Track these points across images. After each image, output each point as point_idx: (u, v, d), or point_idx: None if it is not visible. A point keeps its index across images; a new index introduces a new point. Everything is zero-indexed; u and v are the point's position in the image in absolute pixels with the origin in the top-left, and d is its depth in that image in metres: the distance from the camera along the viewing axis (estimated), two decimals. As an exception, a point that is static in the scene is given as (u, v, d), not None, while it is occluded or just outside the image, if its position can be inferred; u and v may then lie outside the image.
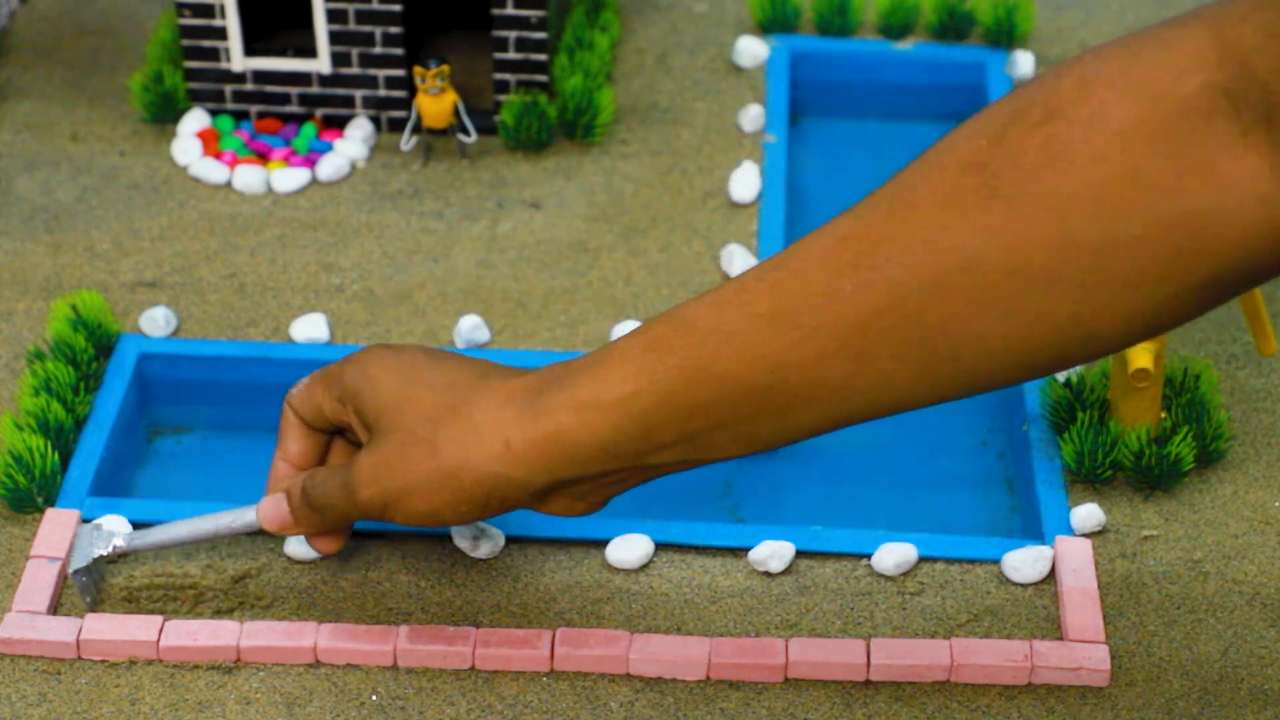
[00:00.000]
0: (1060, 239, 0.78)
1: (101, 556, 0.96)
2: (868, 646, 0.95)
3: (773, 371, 0.83)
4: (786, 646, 0.95)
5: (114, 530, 0.97)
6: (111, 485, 1.05)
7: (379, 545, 1.01)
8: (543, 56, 1.25)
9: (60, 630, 0.95)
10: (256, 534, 0.97)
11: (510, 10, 1.24)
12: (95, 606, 0.96)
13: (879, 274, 0.81)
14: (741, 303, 0.84)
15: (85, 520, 1.00)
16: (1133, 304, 0.79)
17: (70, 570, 0.96)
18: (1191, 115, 0.76)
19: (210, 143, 1.26)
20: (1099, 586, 0.98)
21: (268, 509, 0.94)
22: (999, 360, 0.82)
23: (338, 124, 1.28)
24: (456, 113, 1.24)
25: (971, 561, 1.00)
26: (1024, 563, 0.99)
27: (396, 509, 0.89)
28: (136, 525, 1.01)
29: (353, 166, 1.26)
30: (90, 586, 0.96)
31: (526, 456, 0.86)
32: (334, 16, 1.24)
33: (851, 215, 0.83)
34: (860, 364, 0.82)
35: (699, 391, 0.84)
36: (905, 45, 1.34)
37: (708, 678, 0.95)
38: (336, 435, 0.96)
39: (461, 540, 1.00)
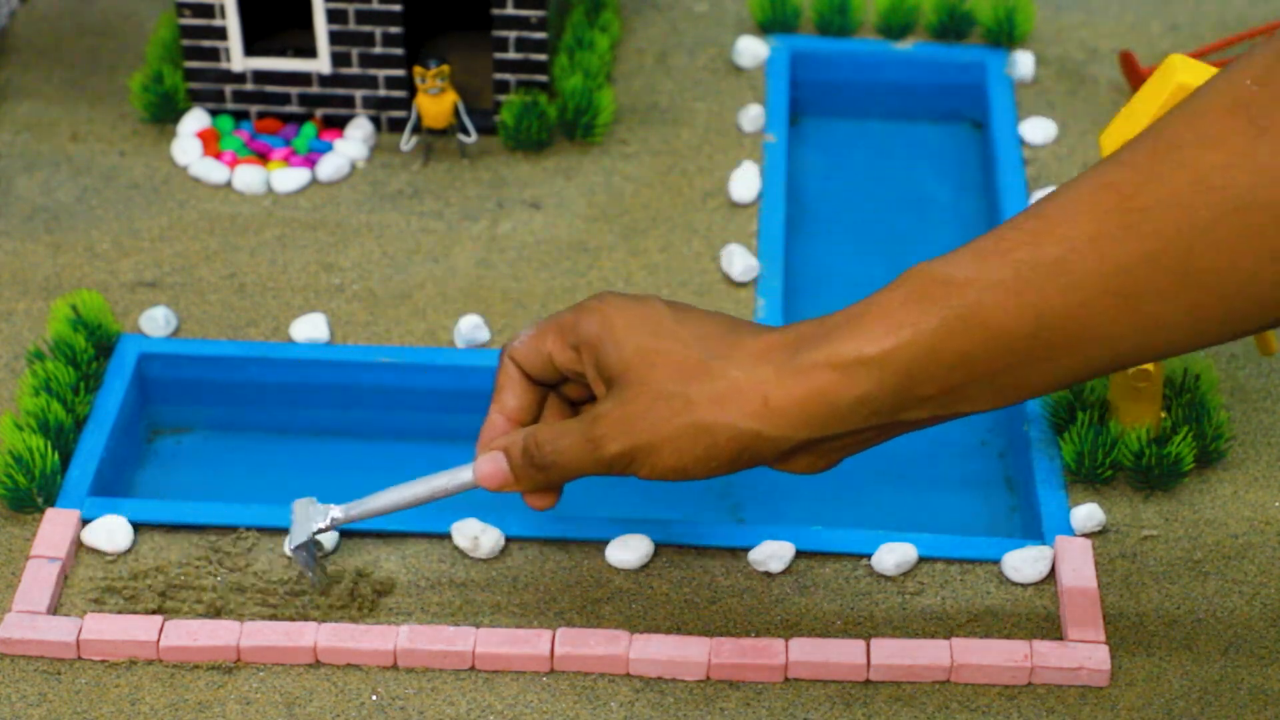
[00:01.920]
0: None
1: (321, 529, 0.96)
2: (868, 646, 0.95)
3: (1037, 319, 0.82)
4: (786, 646, 0.95)
5: (330, 505, 0.96)
6: (111, 485, 1.05)
7: (379, 545, 1.01)
8: (543, 56, 1.25)
9: (60, 630, 0.95)
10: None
11: (510, 10, 1.24)
12: (321, 583, 0.96)
13: (1146, 217, 0.80)
14: (1002, 251, 0.83)
15: (85, 520, 1.00)
16: None
17: (290, 547, 0.95)
18: None
19: (210, 143, 1.26)
20: (1099, 586, 0.98)
21: (486, 467, 0.93)
22: (1269, 301, 0.81)
23: (338, 124, 1.28)
24: (456, 113, 1.24)
25: (971, 561, 1.00)
26: (1024, 563, 0.99)
27: (643, 463, 0.88)
28: (137, 526, 1.01)
29: (353, 166, 1.26)
30: (310, 561, 0.96)
31: (786, 414, 0.86)
32: (334, 16, 1.24)
33: (1112, 161, 0.83)
34: (1126, 308, 0.82)
35: (962, 342, 0.84)
36: (905, 45, 1.34)
37: (708, 678, 0.95)
38: (552, 390, 0.95)
39: (461, 540, 1.00)
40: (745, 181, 1.23)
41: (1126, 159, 0.82)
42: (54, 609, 0.97)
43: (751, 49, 1.34)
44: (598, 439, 0.88)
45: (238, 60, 1.26)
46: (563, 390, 0.95)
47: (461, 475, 0.93)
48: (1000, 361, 0.84)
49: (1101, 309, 0.82)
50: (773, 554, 0.99)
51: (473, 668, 0.95)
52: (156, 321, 1.12)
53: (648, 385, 0.88)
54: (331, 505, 0.96)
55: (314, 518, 0.95)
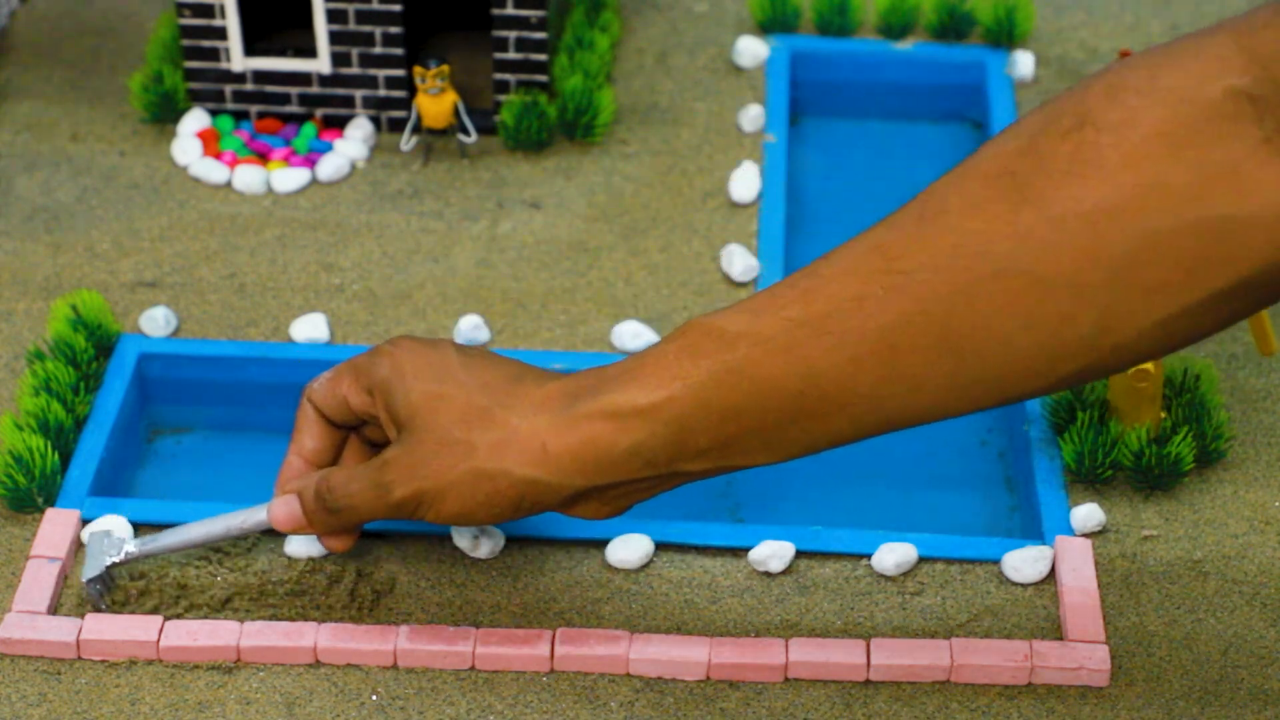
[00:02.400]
0: (1087, 245, 0.79)
1: (115, 564, 0.96)
2: (868, 646, 0.95)
3: (805, 377, 0.84)
4: (786, 646, 0.95)
5: (124, 537, 0.97)
6: (111, 485, 1.05)
7: (379, 545, 1.00)
8: (543, 56, 1.25)
9: (60, 630, 0.95)
10: (266, 533, 0.98)
11: (510, 10, 1.24)
12: (111, 610, 0.96)
13: (909, 279, 0.82)
14: (775, 308, 0.85)
15: (85, 520, 1.00)
16: (1158, 312, 0.79)
17: (84, 579, 0.96)
18: (1216, 120, 0.77)
19: (210, 143, 1.26)
20: (1099, 586, 0.98)
21: (279, 510, 0.94)
22: (1027, 368, 0.82)
23: (338, 124, 1.28)
24: (456, 113, 1.24)
25: (971, 561, 1.00)
26: (1024, 563, 0.99)
27: (429, 507, 0.89)
28: (137, 526, 1.01)
29: (353, 166, 1.25)
30: (104, 594, 0.96)
31: (562, 462, 0.87)
32: (334, 16, 1.24)
33: (884, 224, 0.84)
34: (890, 370, 0.83)
35: (732, 396, 0.85)
36: (905, 45, 1.34)
37: (708, 678, 0.95)
38: (352, 432, 0.96)
39: (461, 540, 1.00)
40: (745, 181, 1.23)
41: (896, 222, 0.84)
42: (54, 609, 0.97)
43: (751, 49, 1.34)
44: (386, 484, 0.90)
45: (238, 60, 1.26)
46: (364, 432, 0.96)
47: (256, 515, 0.95)
48: (770, 416, 0.85)
49: (866, 369, 0.83)
50: (773, 554, 0.99)
51: (473, 668, 0.95)
52: (156, 321, 1.12)
53: (433, 431, 0.89)
54: (127, 539, 0.97)
55: (108, 551, 0.96)
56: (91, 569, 0.96)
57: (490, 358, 0.92)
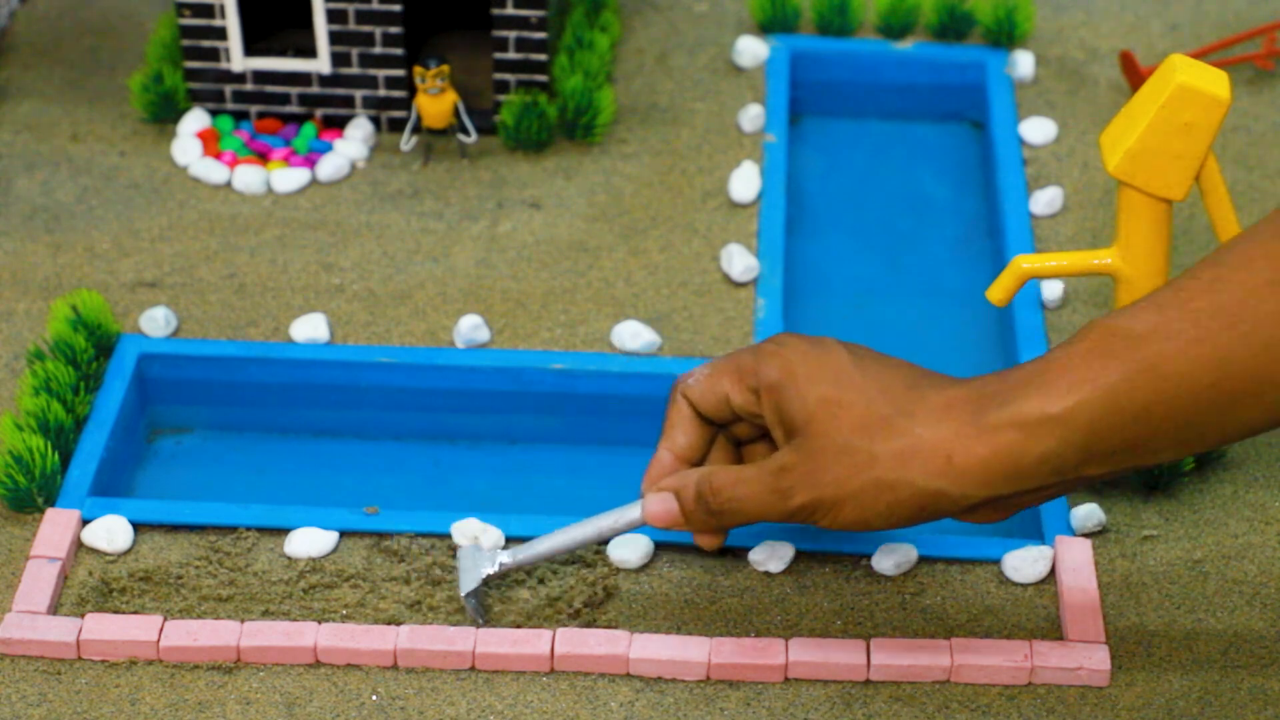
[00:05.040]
0: None
1: (489, 574, 0.96)
2: (868, 646, 0.95)
3: (1218, 367, 0.83)
4: (786, 646, 0.95)
5: (497, 548, 0.97)
6: (111, 485, 1.05)
7: (379, 546, 1.01)
8: (543, 56, 1.25)
9: (60, 630, 0.95)
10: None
11: (510, 10, 1.24)
12: (486, 624, 0.96)
13: None
14: (1180, 302, 0.84)
15: (85, 520, 1.00)
16: None
17: (462, 593, 0.95)
18: None
19: (210, 143, 1.26)
20: (1099, 586, 0.98)
21: (656, 507, 0.93)
22: None
23: (338, 124, 1.28)
24: (456, 113, 1.24)
25: (971, 561, 1.00)
26: (1024, 563, 0.99)
27: (825, 514, 0.89)
28: (136, 526, 1.01)
29: (353, 166, 1.25)
30: (480, 608, 0.96)
31: (969, 473, 0.86)
32: (334, 16, 1.24)
33: None
34: None
35: (1145, 395, 0.84)
36: (905, 45, 1.34)
37: (708, 678, 0.95)
38: (722, 429, 0.95)
39: (462, 540, 1.00)
40: (745, 181, 1.23)
41: None
42: (54, 609, 0.97)
43: (751, 49, 1.34)
44: (784, 490, 0.89)
45: (238, 60, 1.26)
46: (731, 430, 0.95)
47: (629, 514, 0.94)
48: (1184, 413, 0.84)
49: None
50: (773, 554, 0.99)
51: (473, 668, 0.95)
52: (156, 321, 1.12)
53: (831, 438, 0.88)
54: (499, 550, 0.96)
55: (482, 564, 0.96)
56: (469, 582, 0.95)
57: (881, 359, 0.91)
